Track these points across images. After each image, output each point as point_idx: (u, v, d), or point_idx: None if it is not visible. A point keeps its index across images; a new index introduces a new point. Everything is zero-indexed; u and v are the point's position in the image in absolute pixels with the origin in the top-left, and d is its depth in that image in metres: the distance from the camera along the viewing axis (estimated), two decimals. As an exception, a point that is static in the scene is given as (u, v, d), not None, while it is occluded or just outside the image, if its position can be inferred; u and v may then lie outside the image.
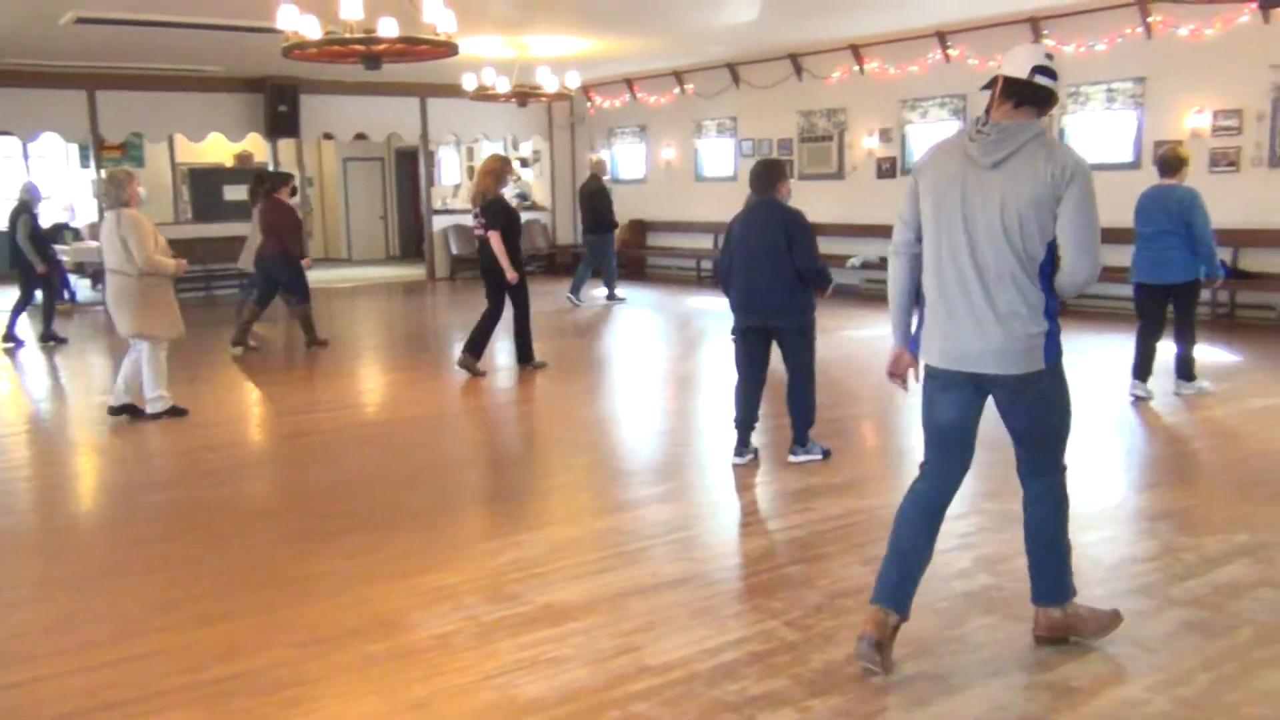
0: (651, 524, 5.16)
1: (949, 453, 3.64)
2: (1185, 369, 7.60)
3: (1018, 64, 3.44)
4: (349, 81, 16.36)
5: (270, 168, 17.46)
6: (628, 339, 12.17)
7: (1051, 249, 3.40)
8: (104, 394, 8.97)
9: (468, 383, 8.97)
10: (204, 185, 17.99)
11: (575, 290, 14.46)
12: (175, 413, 7.73)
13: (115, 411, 7.68)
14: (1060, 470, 3.66)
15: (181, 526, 5.42)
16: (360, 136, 18.45)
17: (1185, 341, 7.55)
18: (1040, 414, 3.55)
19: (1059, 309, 3.48)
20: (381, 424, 7.89)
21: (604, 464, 6.64)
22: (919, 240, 3.61)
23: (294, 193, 11.36)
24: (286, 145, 17.57)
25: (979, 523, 5.01)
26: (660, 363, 10.50)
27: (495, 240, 8.84)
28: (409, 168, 22.28)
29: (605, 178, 14.98)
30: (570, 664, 3.63)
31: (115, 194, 7.37)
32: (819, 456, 6.14)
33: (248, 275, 12.16)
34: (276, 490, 6.27)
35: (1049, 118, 3.56)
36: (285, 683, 3.57)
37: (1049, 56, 3.45)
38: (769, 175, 6.07)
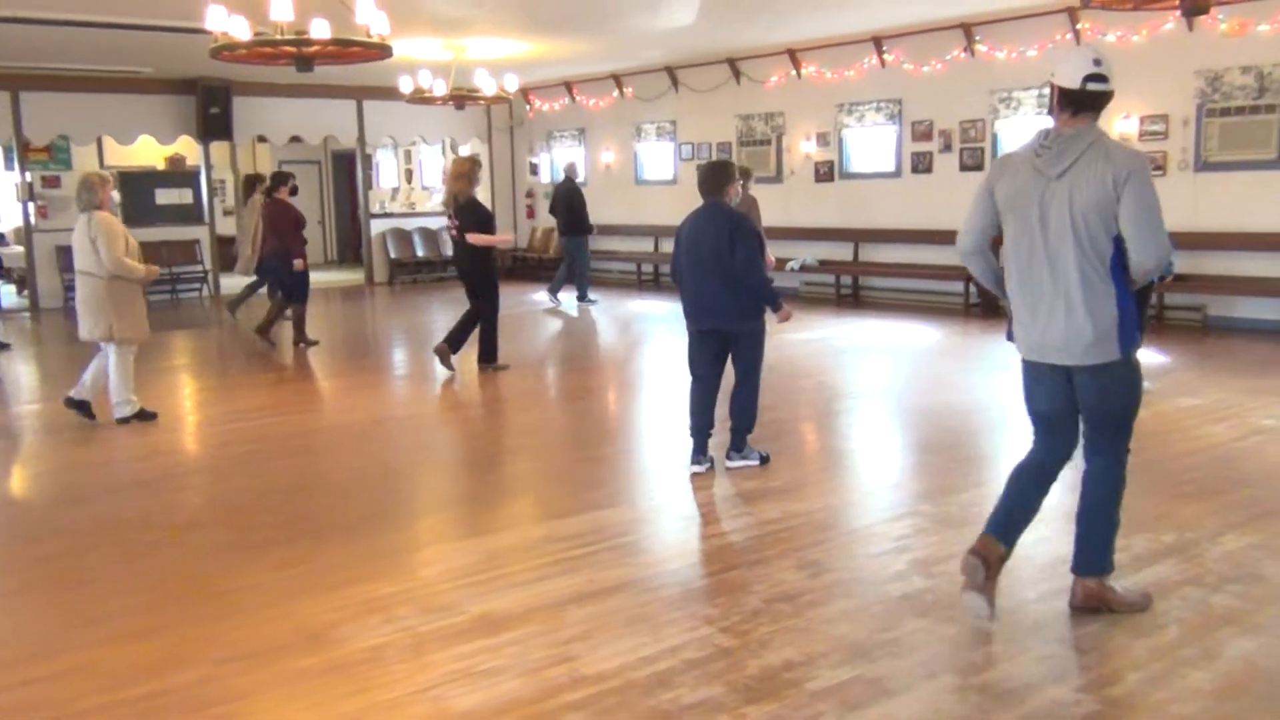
0: (589, 530, 5.12)
1: (1051, 436, 3.97)
2: None
3: (1069, 74, 3.68)
4: (283, 83, 16.10)
5: (203, 170, 17.19)
6: (570, 343, 12.13)
7: (1119, 243, 3.67)
8: (33, 401, 8.77)
9: (406, 389, 8.87)
10: (135, 188, 17.53)
11: (554, 291, 14.64)
12: (143, 416, 7.71)
13: (70, 403, 7.60)
14: (1121, 453, 3.93)
15: (105, 539, 5.26)
16: (295, 139, 18.18)
17: None
18: (1111, 398, 3.83)
19: (1132, 299, 3.76)
20: (316, 431, 7.75)
21: (542, 469, 6.58)
22: (985, 241, 3.97)
23: (294, 191, 11.47)
24: (220, 148, 17.27)
25: (915, 524, 5.04)
26: (602, 367, 10.46)
27: (477, 238, 9.04)
28: (346, 171, 22.05)
29: (578, 180, 15.04)
30: (505, 675, 3.58)
31: (88, 198, 7.39)
32: (756, 462, 6.12)
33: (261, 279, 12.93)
34: (205, 501, 6.12)
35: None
36: (211, 700, 3.48)
37: (1097, 63, 3.67)
38: (716, 177, 6.02)
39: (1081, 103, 3.66)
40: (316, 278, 19.37)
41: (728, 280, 5.85)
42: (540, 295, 14.95)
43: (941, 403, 7.77)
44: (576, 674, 3.57)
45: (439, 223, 19.42)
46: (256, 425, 7.81)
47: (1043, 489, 4.01)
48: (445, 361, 9.25)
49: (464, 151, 20.28)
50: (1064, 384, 3.84)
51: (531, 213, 19.80)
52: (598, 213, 17.88)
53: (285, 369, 10.45)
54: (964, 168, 12.97)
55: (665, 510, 5.56)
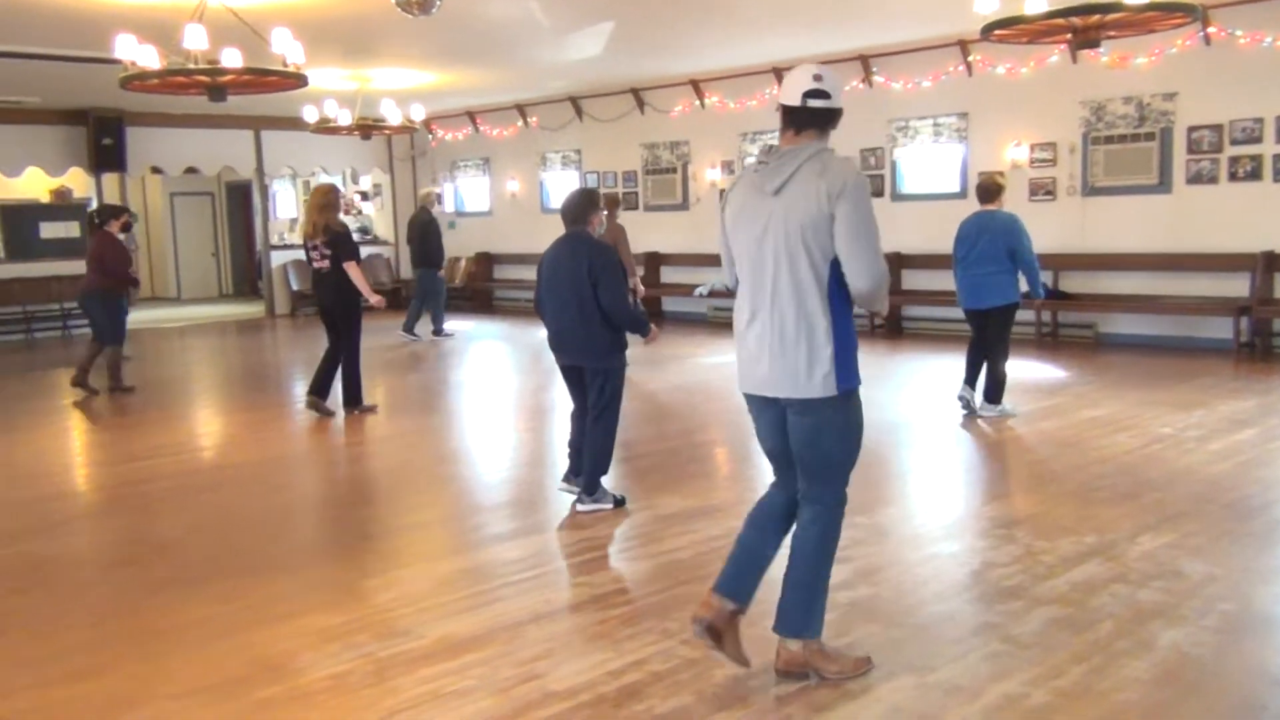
0: (534, 553, 5.16)
1: (782, 470, 3.73)
2: (992, 392, 7.83)
3: (790, 92, 3.47)
4: (177, 114, 15.81)
5: (94, 203, 16.69)
6: (481, 372, 12.09)
7: (836, 267, 3.40)
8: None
9: (315, 423, 8.70)
10: (18, 222, 16.95)
11: (409, 327, 14.22)
12: None
13: None
14: (834, 502, 3.62)
15: (33, 580, 5.09)
16: (191, 170, 17.82)
17: (994, 363, 7.76)
18: (819, 440, 3.52)
19: (851, 331, 3.49)
20: (228, 468, 7.52)
21: (473, 496, 6.58)
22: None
23: (126, 228, 10.83)
24: (110, 179, 16.81)
25: (852, 536, 5.15)
26: (516, 394, 10.45)
27: (355, 270, 8.56)
28: (241, 202, 21.64)
29: (435, 209, 14.60)
30: (474, 695, 3.59)
31: None
32: (609, 506, 5.80)
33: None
34: (130, 539, 5.94)
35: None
36: (174, 735, 3.42)
37: (818, 78, 3.46)
38: (578, 207, 5.71)
39: (803, 120, 3.44)
40: (211, 311, 19.12)
41: (584, 313, 5.60)
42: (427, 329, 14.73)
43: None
44: (546, 690, 3.60)
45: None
46: (165, 463, 7.56)
47: (778, 536, 3.73)
48: (321, 409, 8.85)
49: (364, 182, 20.16)
50: (780, 417, 3.57)
51: (434, 243, 19.69)
52: (503, 241, 17.98)
53: (184, 406, 10.20)
54: (864, 194, 13.37)
55: (606, 533, 5.60)
